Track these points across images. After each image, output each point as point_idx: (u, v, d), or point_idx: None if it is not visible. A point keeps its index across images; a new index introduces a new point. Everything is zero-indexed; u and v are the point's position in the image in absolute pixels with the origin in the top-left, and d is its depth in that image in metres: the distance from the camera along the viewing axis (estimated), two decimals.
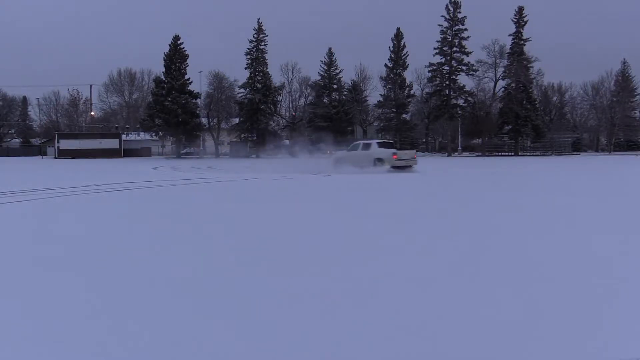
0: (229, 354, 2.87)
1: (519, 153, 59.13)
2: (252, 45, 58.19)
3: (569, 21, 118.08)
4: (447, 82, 59.77)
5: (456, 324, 3.28)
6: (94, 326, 3.29)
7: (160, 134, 57.81)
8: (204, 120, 59.31)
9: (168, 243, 6.19)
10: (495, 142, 61.96)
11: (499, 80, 60.57)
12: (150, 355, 2.87)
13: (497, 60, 60.19)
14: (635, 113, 70.51)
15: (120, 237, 6.61)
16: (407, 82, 60.86)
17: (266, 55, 58.47)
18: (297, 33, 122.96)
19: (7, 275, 4.62)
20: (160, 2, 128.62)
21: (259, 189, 14.88)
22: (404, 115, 61.12)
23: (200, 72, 59.98)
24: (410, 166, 22.69)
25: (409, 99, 61.92)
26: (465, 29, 59.22)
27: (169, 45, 56.84)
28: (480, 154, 59.01)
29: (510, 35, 59.22)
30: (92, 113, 77.40)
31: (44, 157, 59.44)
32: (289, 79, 64.34)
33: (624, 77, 68.44)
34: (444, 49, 59.66)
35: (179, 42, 56.87)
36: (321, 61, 60.59)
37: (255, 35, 58.28)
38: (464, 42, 59.37)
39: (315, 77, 61.84)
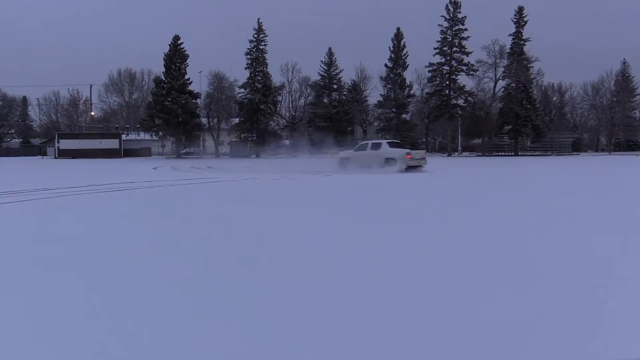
0: (229, 354, 2.87)
1: (519, 153, 59.13)
2: (252, 45, 58.25)
3: (569, 21, 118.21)
4: (447, 82, 59.78)
5: (456, 324, 3.28)
6: (94, 326, 3.29)
7: (160, 134, 57.83)
8: (204, 120, 59.33)
9: (168, 243, 6.19)
10: (495, 142, 61.98)
11: (499, 80, 60.67)
12: (150, 355, 2.87)
13: (497, 60, 60.29)
14: (635, 113, 70.53)
15: (120, 237, 6.61)
16: (407, 82, 60.94)
17: (266, 55, 58.57)
18: (297, 33, 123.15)
19: (7, 275, 4.62)
20: (160, 2, 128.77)
21: (259, 189, 14.88)
22: (404, 115, 61.14)
23: (200, 72, 60.11)
24: (420, 166, 22.53)
25: (409, 99, 61.94)
26: (465, 29, 59.30)
27: (169, 45, 56.88)
28: (480, 154, 59.01)
29: (510, 35, 59.30)
30: (92, 113, 77.45)
31: (44, 157, 59.47)
32: (289, 79, 64.49)
33: (624, 77, 68.46)
34: (444, 49, 59.67)
35: (179, 42, 56.89)
36: (321, 61, 60.71)
37: (255, 35, 58.33)
38: (464, 42, 59.42)
39: (315, 77, 61.98)
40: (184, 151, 60.05)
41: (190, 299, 3.87)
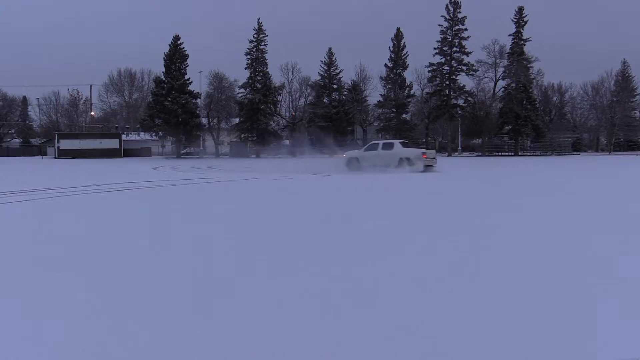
0: (229, 354, 2.87)
1: (519, 153, 59.11)
2: (252, 45, 58.23)
3: (569, 21, 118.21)
4: (447, 82, 59.75)
5: (456, 324, 3.28)
6: (94, 326, 3.29)
7: (160, 134, 57.83)
8: (204, 120, 59.32)
9: (168, 243, 6.19)
10: (495, 142, 61.96)
11: (499, 80, 60.59)
12: (150, 355, 2.87)
13: (497, 60, 60.21)
14: (635, 113, 70.50)
15: (121, 237, 6.61)
16: (407, 82, 60.86)
17: (266, 55, 58.57)
18: (297, 33, 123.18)
19: (7, 275, 4.62)
20: (160, 2, 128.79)
21: (259, 189, 14.88)
22: (404, 115, 61.09)
23: (200, 72, 60.09)
24: (432, 166, 22.40)
25: (409, 99, 61.89)
26: (465, 29, 59.24)
27: (169, 45, 56.87)
28: (480, 154, 59.00)
29: (510, 35, 59.23)
30: (92, 113, 77.44)
31: (44, 157, 59.46)
32: (289, 79, 64.40)
33: (624, 77, 68.43)
34: (444, 49, 59.64)
35: (179, 42, 56.88)
36: (321, 61, 60.65)
37: (255, 35, 58.32)
38: (464, 42, 59.35)
39: (315, 77, 61.92)
40: (184, 151, 60.04)
41: (190, 299, 3.87)
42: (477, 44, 63.98)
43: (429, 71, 60.67)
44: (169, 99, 54.51)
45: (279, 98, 61.62)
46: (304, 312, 3.55)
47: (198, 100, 58.59)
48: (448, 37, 59.42)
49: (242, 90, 58.44)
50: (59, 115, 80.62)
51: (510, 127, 59.42)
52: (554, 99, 77.24)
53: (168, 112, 54.08)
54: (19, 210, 9.69)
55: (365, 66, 71.21)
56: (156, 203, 11.18)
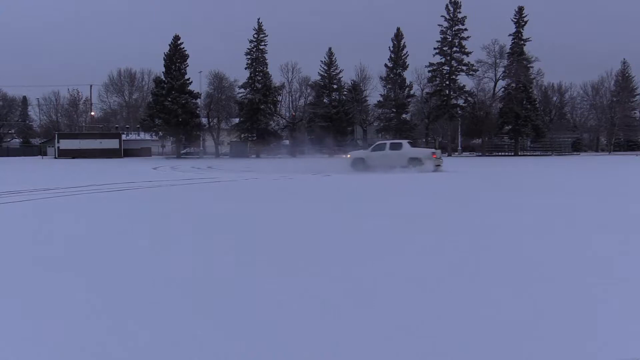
0: (229, 354, 2.87)
1: (519, 153, 59.11)
2: (252, 45, 58.23)
3: (569, 21, 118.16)
4: (447, 82, 59.75)
5: (456, 324, 3.28)
6: (94, 326, 3.29)
7: (160, 134, 57.83)
8: (204, 120, 59.32)
9: (168, 243, 6.19)
10: (495, 142, 61.95)
11: (499, 80, 60.61)
12: (150, 355, 2.87)
13: (497, 60, 60.24)
14: (635, 113, 70.49)
15: (121, 237, 6.61)
16: (407, 82, 60.84)
17: (266, 55, 58.58)
18: (297, 33, 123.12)
19: (7, 275, 4.62)
20: (160, 2, 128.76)
21: (259, 189, 14.88)
22: (404, 115, 61.08)
23: (200, 72, 60.07)
24: (439, 165, 22.38)
25: (409, 99, 61.88)
26: (465, 29, 59.25)
27: (169, 45, 56.87)
28: (480, 154, 59.00)
29: (510, 35, 59.24)
30: (92, 113, 77.43)
31: (44, 157, 59.45)
32: (289, 79, 64.36)
33: (624, 77, 68.41)
34: (444, 49, 59.64)
35: (179, 42, 56.88)
36: (321, 61, 60.64)
37: (255, 35, 58.33)
38: (464, 42, 59.37)
39: (315, 77, 61.90)
40: (184, 151, 60.04)
41: (190, 299, 3.87)
42: (477, 44, 63.96)
43: (429, 71, 60.72)
44: (169, 99, 54.51)
45: (279, 98, 61.66)
46: (304, 312, 3.55)
47: (198, 100, 58.64)
48: (448, 37, 59.44)
49: (242, 90, 58.50)
50: (59, 115, 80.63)
51: (510, 127, 59.43)
52: (554, 99, 77.24)
53: (168, 112, 54.08)
54: (19, 210, 9.69)
55: (365, 66, 71.17)
56: (156, 203, 11.18)
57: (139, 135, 66.04)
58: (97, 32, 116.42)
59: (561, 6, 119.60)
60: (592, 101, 71.95)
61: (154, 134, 57.86)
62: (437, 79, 60.28)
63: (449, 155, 56.93)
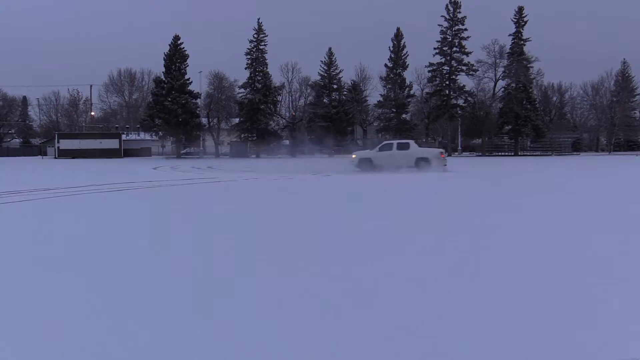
0: (229, 354, 2.87)
1: (519, 153, 59.11)
2: (252, 45, 58.21)
3: (569, 21, 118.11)
4: (447, 82, 59.74)
5: (456, 324, 3.28)
6: (94, 326, 3.29)
7: (160, 134, 57.79)
8: (204, 120, 59.30)
9: (168, 243, 6.19)
10: (495, 142, 61.94)
11: (499, 80, 60.57)
12: (150, 355, 2.87)
13: (497, 60, 60.20)
14: (635, 113, 70.46)
15: (121, 237, 6.61)
16: (407, 82, 60.80)
17: (266, 55, 58.53)
18: (297, 33, 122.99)
19: (7, 275, 4.62)
20: (160, 2, 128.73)
21: (259, 189, 14.88)
22: (404, 115, 61.05)
23: (200, 72, 60.04)
24: (445, 165, 22.44)
25: (409, 99, 61.86)
26: (465, 29, 59.22)
27: (169, 45, 56.85)
28: (480, 154, 59.00)
29: (510, 35, 59.21)
30: (92, 113, 77.40)
31: (44, 157, 59.43)
32: (289, 79, 64.33)
33: (624, 77, 68.39)
34: (444, 49, 59.63)
35: (179, 42, 56.86)
36: (321, 61, 60.59)
37: (255, 35, 58.31)
38: (463, 42, 59.34)
39: (315, 77, 61.86)
40: (184, 151, 60.01)
41: (190, 299, 3.87)
42: (477, 44, 63.99)
43: (429, 71, 60.70)
44: (169, 99, 54.50)
45: (279, 98, 61.63)
46: (304, 312, 3.55)
47: (198, 100, 58.60)
48: (448, 37, 59.42)
49: (242, 90, 58.46)
50: (59, 115, 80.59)
51: (510, 127, 59.41)
52: (554, 99, 77.23)
53: (168, 112, 54.07)
54: (19, 210, 9.69)
55: (365, 66, 71.20)
56: (156, 203, 11.18)
57: (139, 135, 66.01)
58: (97, 32, 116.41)
59: (561, 6, 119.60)
60: (592, 101, 71.94)
61: (154, 134, 57.83)
62: (437, 79, 60.26)
63: (449, 155, 56.92)
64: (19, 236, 6.82)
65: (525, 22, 58.95)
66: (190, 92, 56.99)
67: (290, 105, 65.46)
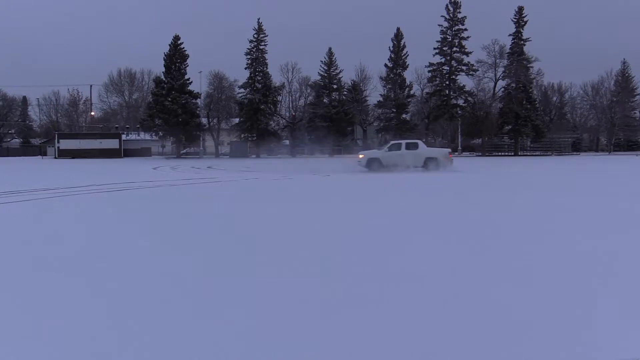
0: (229, 354, 2.87)
1: (519, 153, 59.10)
2: (252, 45, 58.22)
3: (569, 21, 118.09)
4: (447, 82, 59.74)
5: (456, 324, 3.28)
6: (94, 326, 3.29)
7: (160, 134, 57.80)
8: (204, 120, 59.31)
9: (168, 243, 6.19)
10: (495, 142, 61.93)
11: (499, 80, 60.59)
12: (150, 355, 2.87)
13: (497, 60, 60.21)
14: (635, 113, 70.45)
15: (120, 237, 6.61)
16: (407, 82, 60.81)
17: (266, 55, 58.55)
18: (297, 33, 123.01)
19: (7, 275, 4.62)
20: (160, 2, 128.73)
21: (259, 188, 14.87)
22: (404, 115, 61.04)
23: (200, 72, 60.05)
24: (452, 165, 22.59)
25: (409, 99, 61.85)
26: (465, 29, 59.24)
27: (169, 45, 56.88)
28: (480, 154, 58.99)
29: (510, 35, 59.23)
30: (92, 113, 77.39)
31: (44, 157, 59.42)
32: (289, 79, 64.28)
33: (624, 77, 68.39)
34: (444, 49, 59.63)
35: (179, 42, 56.88)
36: (321, 61, 60.61)
37: (255, 36, 58.31)
38: (464, 42, 59.35)
39: (315, 77, 61.85)
40: (184, 151, 60.01)
41: (190, 298, 3.87)
42: (477, 44, 64.09)
43: (429, 71, 60.71)
44: (169, 99, 54.51)
45: (279, 98, 61.61)
46: (304, 312, 3.55)
47: (198, 100, 58.60)
48: (448, 37, 59.42)
49: (242, 90, 58.46)
50: (59, 115, 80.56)
51: (510, 127, 59.43)
52: (554, 99, 77.24)
53: (168, 112, 54.08)
54: (19, 210, 9.69)
55: (365, 66, 71.22)
56: (156, 203, 11.18)
57: (139, 135, 66.00)
58: (97, 32, 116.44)
59: (561, 6, 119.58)
60: (592, 101, 71.93)
61: (154, 134, 57.83)
62: (437, 79, 60.26)
63: None
64: (18, 236, 6.82)
65: (525, 22, 58.97)
66: (190, 92, 57.00)
67: (290, 105, 65.45)
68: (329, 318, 3.42)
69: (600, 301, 3.74)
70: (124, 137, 62.18)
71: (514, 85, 58.40)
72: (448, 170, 21.50)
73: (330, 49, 60.49)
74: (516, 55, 58.23)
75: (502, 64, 59.88)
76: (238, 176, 20.01)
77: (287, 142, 63.25)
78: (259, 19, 58.42)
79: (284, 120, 63.79)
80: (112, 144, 57.56)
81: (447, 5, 59.24)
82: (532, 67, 59.29)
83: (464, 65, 59.74)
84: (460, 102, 60.85)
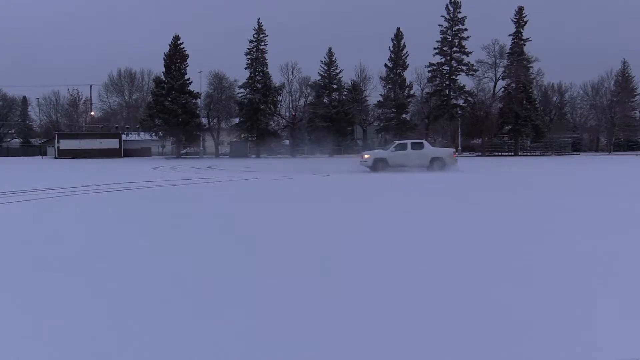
0: (229, 354, 2.87)
1: (519, 153, 59.10)
2: (252, 45, 58.22)
3: (569, 21, 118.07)
4: (447, 82, 59.74)
5: (456, 324, 3.28)
6: (94, 326, 3.29)
7: (160, 134, 57.81)
8: (204, 120, 59.31)
9: (168, 243, 6.19)
10: (495, 142, 61.93)
11: (499, 80, 60.59)
12: (150, 355, 2.87)
13: (497, 60, 60.22)
14: (635, 113, 70.45)
15: (120, 237, 6.61)
16: (407, 82, 60.79)
17: (266, 55, 58.55)
18: (297, 33, 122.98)
19: (7, 276, 4.62)
20: (160, 2, 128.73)
21: (259, 188, 14.87)
22: (404, 115, 61.03)
23: (200, 72, 60.05)
24: (456, 164, 22.63)
25: (409, 99, 61.84)
26: (465, 29, 59.23)
27: (169, 45, 56.88)
28: (480, 154, 58.99)
29: (510, 35, 59.23)
30: (92, 113, 77.38)
31: (44, 157, 59.42)
32: (289, 79, 64.27)
33: (624, 77, 68.39)
34: (444, 49, 59.63)
35: (179, 42, 56.88)
36: (321, 61, 60.61)
37: (255, 36, 58.31)
38: (464, 42, 59.34)
39: (315, 77, 61.85)
40: (184, 151, 60.00)
41: (190, 298, 3.87)
42: (477, 44, 64.03)
43: (429, 71, 60.71)
44: (169, 99, 54.51)
45: (279, 98, 61.62)
46: (304, 312, 3.55)
47: (198, 100, 58.61)
48: (448, 37, 59.42)
49: (242, 90, 58.47)
50: (59, 115, 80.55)
51: (510, 127, 59.44)
52: (554, 99, 77.24)
53: (168, 112, 54.08)
54: (19, 210, 9.69)
55: (365, 66, 71.15)
56: (156, 203, 11.18)
57: (139, 135, 65.99)
58: (97, 32, 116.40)
59: (561, 6, 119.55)
60: (592, 101, 71.93)
61: (154, 134, 57.84)
62: (437, 79, 60.26)
63: None
64: (18, 236, 6.82)
65: (525, 22, 58.97)
66: (190, 92, 57.01)
67: (290, 105, 65.45)
68: (329, 318, 3.42)
69: (600, 301, 3.74)
70: (124, 137, 62.18)
71: (514, 85, 58.41)
72: (452, 170, 21.53)
73: (330, 49, 60.57)
74: (516, 55, 58.24)
75: (502, 64, 59.95)
76: (238, 176, 20.01)
77: (287, 142, 63.24)
78: (259, 19, 58.50)
79: (284, 120, 63.80)
80: (112, 144, 57.56)
81: (447, 5, 59.27)
82: (532, 67, 59.38)
83: (464, 65, 59.75)
84: (460, 102, 60.87)
